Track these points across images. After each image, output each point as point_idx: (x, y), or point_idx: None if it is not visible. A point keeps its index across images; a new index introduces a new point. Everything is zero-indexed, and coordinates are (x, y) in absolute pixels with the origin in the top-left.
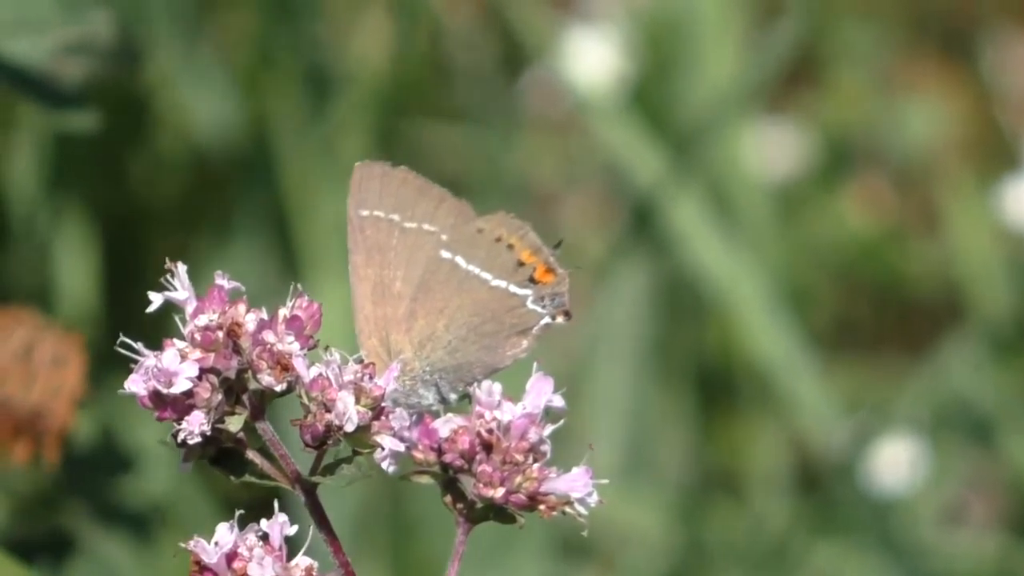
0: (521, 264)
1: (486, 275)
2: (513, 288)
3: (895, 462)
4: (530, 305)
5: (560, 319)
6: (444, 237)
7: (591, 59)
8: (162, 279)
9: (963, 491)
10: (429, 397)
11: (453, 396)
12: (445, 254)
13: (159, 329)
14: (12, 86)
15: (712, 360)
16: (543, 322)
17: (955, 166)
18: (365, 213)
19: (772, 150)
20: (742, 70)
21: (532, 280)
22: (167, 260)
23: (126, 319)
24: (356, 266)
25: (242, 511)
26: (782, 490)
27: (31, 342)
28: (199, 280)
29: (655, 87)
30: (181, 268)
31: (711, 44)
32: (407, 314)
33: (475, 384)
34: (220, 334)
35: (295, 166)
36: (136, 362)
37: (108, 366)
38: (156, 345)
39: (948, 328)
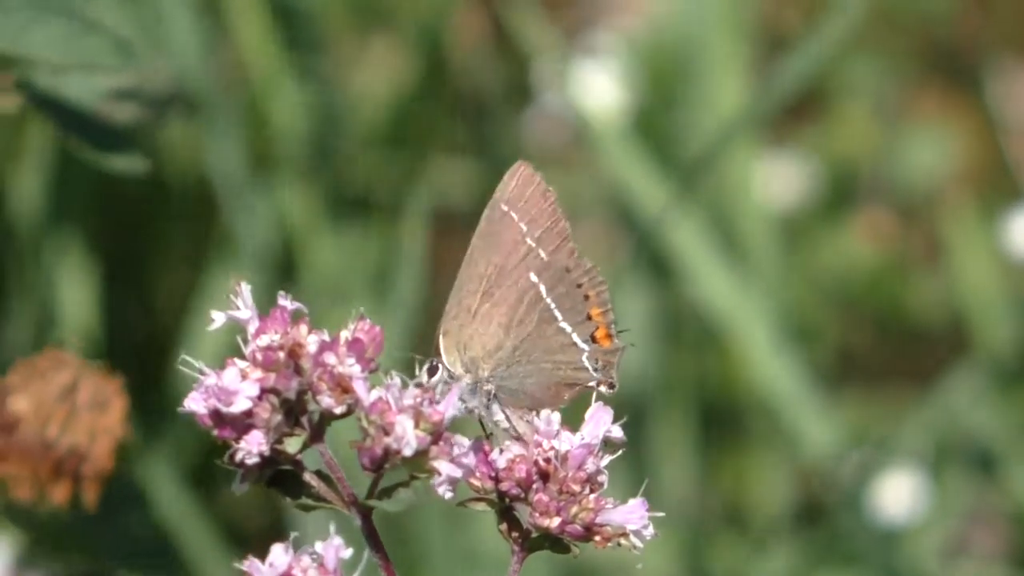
0: (589, 318)
1: (558, 314)
2: (576, 338)
3: (899, 494)
4: (584, 361)
5: (604, 388)
6: (541, 260)
7: (596, 90)
8: (228, 297)
9: (966, 523)
10: (474, 403)
11: (495, 417)
12: (533, 278)
13: (163, 356)
14: (62, 126)
15: (716, 392)
16: (590, 383)
17: (959, 197)
18: (505, 209)
19: (777, 181)
20: (747, 102)
21: (593, 338)
22: (232, 280)
23: (130, 349)
24: (473, 251)
25: (244, 549)
26: (785, 522)
27: (73, 383)
28: (205, 310)
29: (659, 118)
30: (245, 288)
31: (716, 76)
32: (487, 316)
33: (532, 414)
34: (282, 355)
35: (301, 199)
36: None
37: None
38: (153, 376)
39: (952, 360)
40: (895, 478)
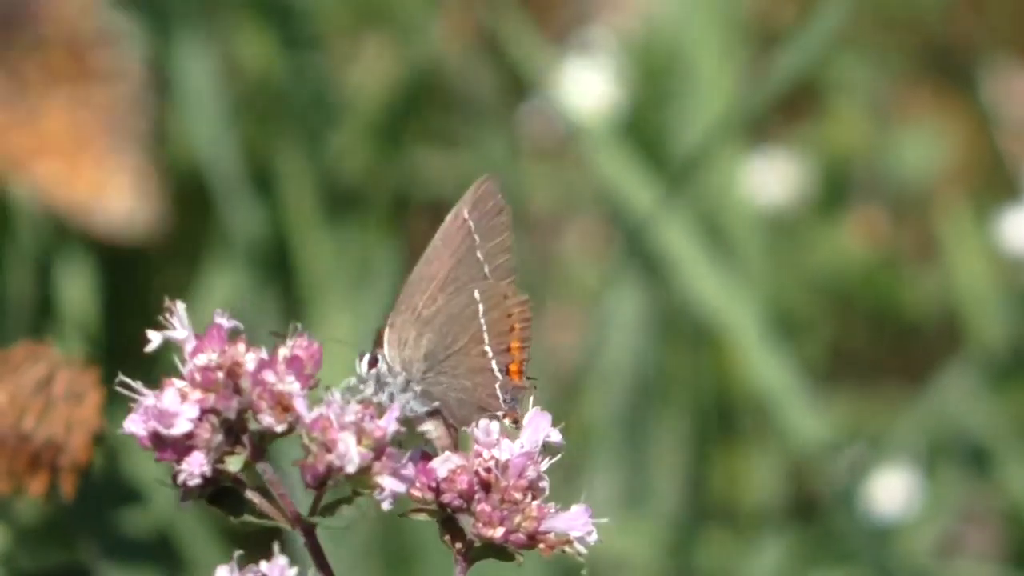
0: (508, 350)
1: (486, 337)
2: (494, 365)
3: (892, 491)
4: (498, 391)
5: (508, 421)
6: (485, 278)
7: (587, 88)
8: (161, 317)
9: (960, 520)
10: (408, 405)
11: (418, 413)
12: (476, 295)
13: (159, 361)
14: None
15: (708, 390)
16: (497, 412)
17: (952, 195)
18: (465, 216)
19: (769, 179)
20: (739, 99)
21: (507, 370)
22: (166, 299)
23: (128, 349)
24: (429, 251)
25: (241, 549)
26: (778, 519)
27: (49, 375)
28: (200, 313)
29: (651, 116)
30: (180, 306)
31: (707, 73)
32: (428, 320)
33: (473, 424)
34: (220, 374)
35: (295, 194)
36: (135, 401)
37: (110, 397)
38: (156, 378)
39: (945, 356)
40: (888, 475)
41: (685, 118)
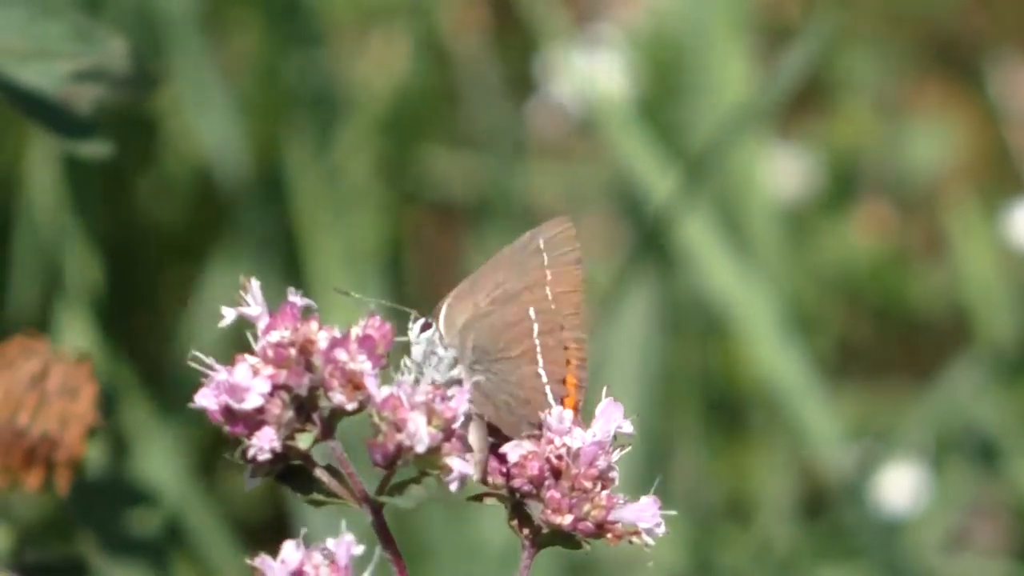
0: (563, 383)
1: (540, 359)
2: (548, 391)
3: (900, 486)
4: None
5: None
6: (548, 307)
7: (599, 81)
8: (238, 294)
9: (968, 515)
10: (451, 376)
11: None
12: (532, 314)
13: (161, 356)
14: (24, 113)
15: (719, 383)
16: None
17: (961, 190)
18: (541, 247)
19: (778, 173)
20: (750, 93)
21: (561, 402)
22: (241, 276)
23: (132, 345)
24: (501, 258)
25: (249, 543)
26: (788, 514)
27: (43, 371)
28: (206, 305)
29: (662, 109)
30: (255, 284)
31: (718, 66)
32: (487, 317)
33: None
34: (293, 351)
35: (302, 191)
36: (207, 376)
37: (114, 392)
38: (152, 373)
39: (953, 352)
40: (897, 470)
41: (696, 111)
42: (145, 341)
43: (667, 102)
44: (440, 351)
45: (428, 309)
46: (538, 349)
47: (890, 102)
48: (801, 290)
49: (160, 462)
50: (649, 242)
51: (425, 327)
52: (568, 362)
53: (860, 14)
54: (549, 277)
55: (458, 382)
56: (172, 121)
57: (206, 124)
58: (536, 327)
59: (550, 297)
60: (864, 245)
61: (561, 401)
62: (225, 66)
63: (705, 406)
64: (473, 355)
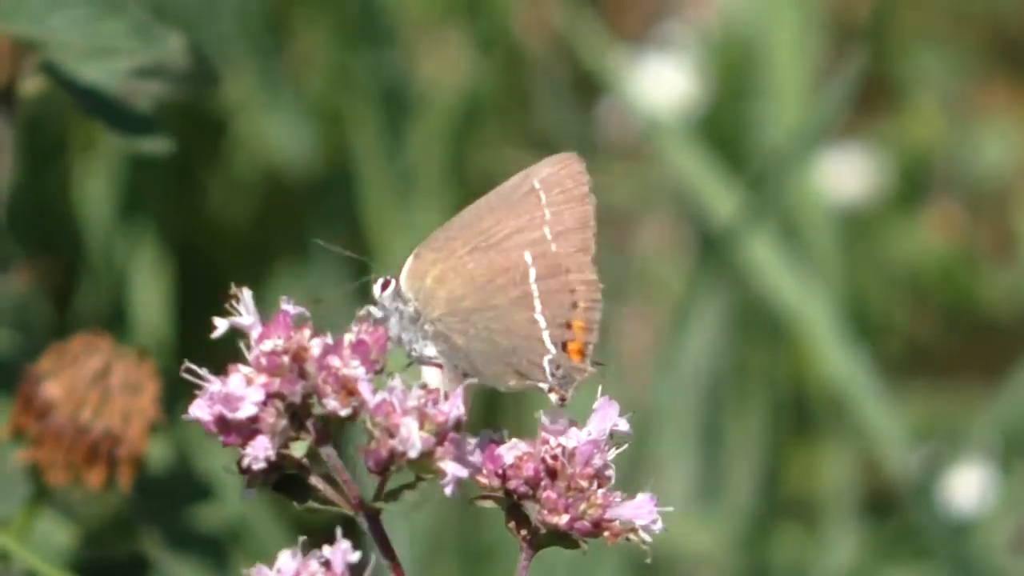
0: (568, 326)
1: (537, 304)
2: (546, 336)
3: (968, 487)
4: (544, 362)
5: (553, 396)
6: (547, 249)
7: (664, 86)
8: (227, 305)
9: None
10: (412, 339)
11: (428, 355)
12: (528, 259)
13: (234, 355)
14: (87, 110)
15: (785, 386)
16: (540, 384)
17: None
18: (536, 186)
19: (846, 175)
20: (816, 97)
21: (564, 346)
22: (233, 286)
23: (200, 345)
24: (482, 205)
25: (305, 537)
26: (854, 516)
27: (106, 367)
28: (274, 305)
29: (729, 111)
30: (246, 293)
31: (785, 71)
32: (466, 268)
33: (539, 413)
34: (286, 359)
35: (371, 190)
36: (201, 388)
37: (182, 392)
38: (224, 370)
39: (1022, 352)
40: (964, 471)
41: (763, 114)
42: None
43: (736, 102)
44: (400, 306)
45: None
46: (535, 294)
47: (958, 102)
48: (869, 291)
49: (223, 459)
50: (715, 247)
51: (385, 285)
52: (575, 304)
53: (927, 14)
54: (548, 216)
55: (431, 337)
56: (241, 120)
57: (275, 123)
58: (533, 271)
59: (549, 237)
60: (933, 245)
61: (564, 345)
62: (294, 64)
63: (772, 408)
64: (445, 307)
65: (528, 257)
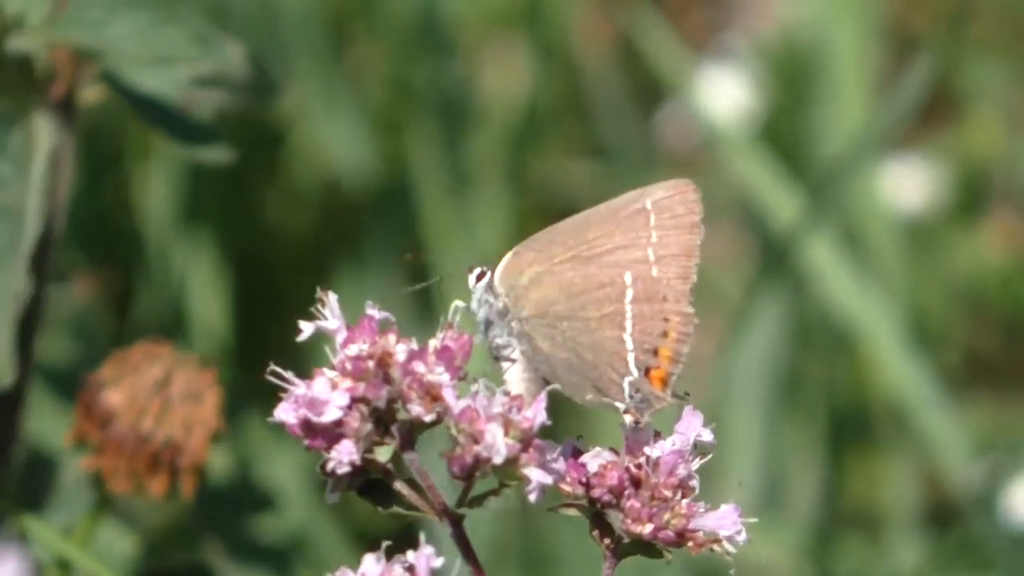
0: (655, 353)
1: (628, 324)
2: (630, 358)
3: None
4: (624, 383)
5: (628, 417)
6: (647, 273)
7: (725, 95)
8: (313, 308)
9: None
10: (497, 333)
11: (506, 356)
12: (627, 279)
13: (293, 364)
14: (146, 119)
15: (845, 397)
16: (616, 403)
17: None
18: (648, 207)
19: (906, 185)
20: (877, 107)
21: (647, 372)
22: (318, 289)
23: (259, 352)
24: (594, 215)
25: (373, 551)
26: (915, 527)
27: (167, 376)
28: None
29: (788, 122)
30: (332, 297)
31: (843, 80)
32: (564, 275)
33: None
34: (371, 364)
35: (430, 199)
36: (285, 391)
37: (241, 400)
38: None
39: None
40: None
41: (823, 124)
42: (273, 348)
43: (795, 112)
44: (490, 299)
45: None
46: (628, 315)
47: (1018, 113)
48: (929, 301)
49: (285, 469)
50: (776, 256)
51: (480, 275)
52: (666, 334)
53: (988, 25)
54: (655, 239)
55: (516, 335)
56: (300, 129)
57: (333, 132)
58: (630, 292)
59: (652, 259)
60: (992, 256)
61: (647, 371)
62: (353, 74)
63: (832, 417)
64: (536, 308)
65: (628, 278)
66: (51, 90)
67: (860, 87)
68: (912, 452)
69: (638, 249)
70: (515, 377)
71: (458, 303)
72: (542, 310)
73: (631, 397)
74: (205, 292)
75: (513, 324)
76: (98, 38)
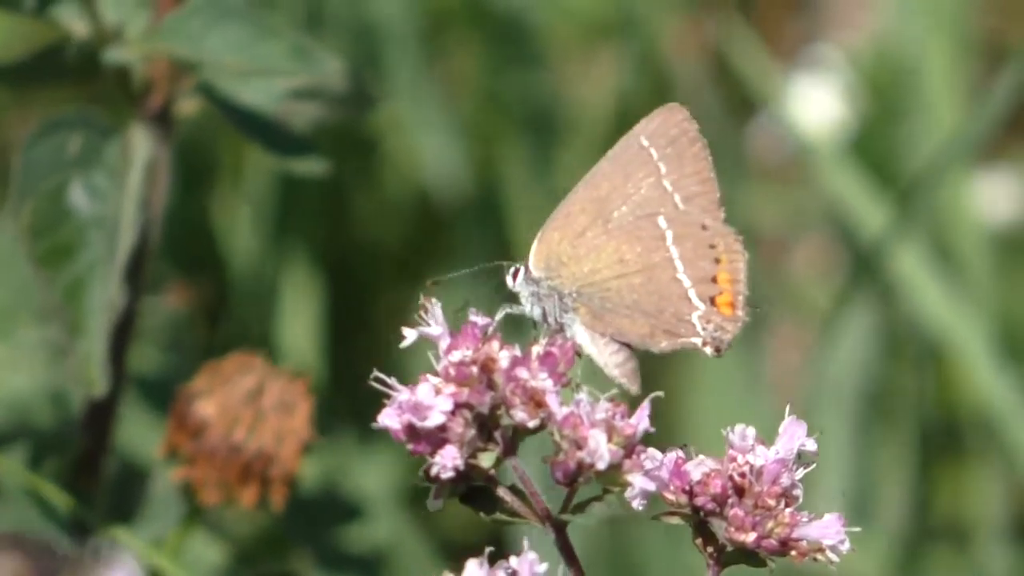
0: (714, 281)
1: (679, 264)
2: (692, 294)
3: None
4: (694, 318)
5: (709, 350)
6: (675, 207)
7: (815, 106)
8: (415, 315)
9: None
10: (551, 315)
11: (569, 332)
12: (662, 223)
13: (383, 372)
14: (243, 131)
15: (935, 408)
16: (692, 340)
17: None
18: (645, 143)
19: (995, 196)
20: (967, 118)
21: (712, 301)
22: (422, 297)
23: (349, 363)
24: (596, 173)
25: (491, 549)
26: (1005, 538)
27: (259, 387)
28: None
29: (879, 134)
30: (436, 304)
31: (936, 91)
32: (595, 240)
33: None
34: (474, 369)
35: (520, 211)
36: (388, 397)
37: (333, 412)
38: (372, 394)
39: None
40: None
41: (914, 136)
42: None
43: (886, 125)
44: (534, 288)
45: None
46: (675, 256)
47: None
48: (1017, 313)
49: (375, 480)
50: (866, 267)
51: (515, 273)
52: (718, 260)
53: None
54: (664, 170)
55: (572, 310)
56: (391, 140)
57: (425, 143)
58: (669, 234)
59: (670, 190)
60: None
61: (712, 301)
62: (445, 86)
63: (921, 429)
64: (582, 280)
65: (662, 221)
66: (148, 102)
67: (952, 98)
68: (1001, 463)
69: (654, 188)
70: (587, 341)
71: (506, 307)
72: (589, 280)
73: (704, 330)
74: (295, 303)
75: (566, 300)
76: (197, 50)
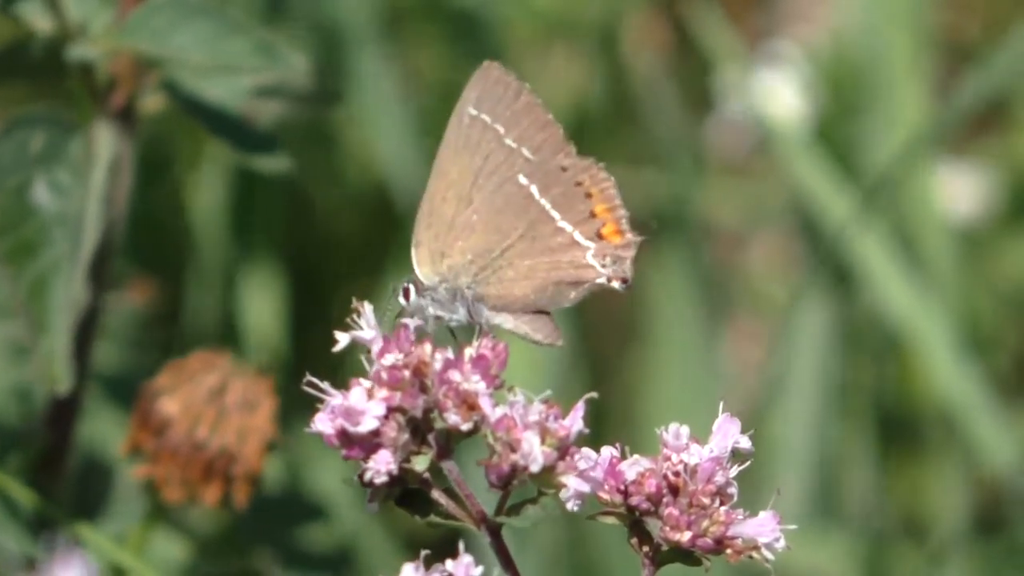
0: (593, 216)
1: (556, 214)
2: (578, 236)
3: None
4: (590, 259)
5: (616, 284)
6: (528, 161)
7: (777, 100)
8: (348, 319)
9: None
10: (460, 314)
11: (495, 320)
12: (523, 180)
13: (347, 368)
14: (208, 128)
15: (895, 402)
16: (598, 280)
17: None
18: (474, 113)
19: (957, 192)
20: (928, 113)
21: (599, 235)
22: (353, 300)
23: (312, 359)
24: (441, 161)
25: (427, 552)
26: (965, 533)
27: (222, 384)
28: (382, 319)
29: (840, 128)
30: (368, 308)
31: (897, 86)
32: (467, 223)
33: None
34: (407, 373)
35: None
36: (322, 401)
37: (295, 407)
38: (344, 384)
39: None
40: None
41: (873, 131)
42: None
43: (845, 120)
44: (432, 296)
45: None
46: (547, 207)
47: None
48: (978, 308)
49: (336, 478)
50: (826, 261)
51: (406, 291)
52: (588, 195)
53: None
54: (502, 130)
55: (476, 300)
56: (350, 133)
57: (383, 137)
58: (535, 189)
59: (515, 146)
60: None
61: (599, 235)
62: (403, 80)
63: (881, 423)
64: (471, 268)
65: (522, 179)
66: (112, 99)
67: (911, 94)
68: (962, 457)
69: (500, 151)
70: (510, 323)
71: (406, 321)
72: (478, 265)
73: (604, 267)
74: (257, 297)
75: (467, 292)
76: (162, 47)
